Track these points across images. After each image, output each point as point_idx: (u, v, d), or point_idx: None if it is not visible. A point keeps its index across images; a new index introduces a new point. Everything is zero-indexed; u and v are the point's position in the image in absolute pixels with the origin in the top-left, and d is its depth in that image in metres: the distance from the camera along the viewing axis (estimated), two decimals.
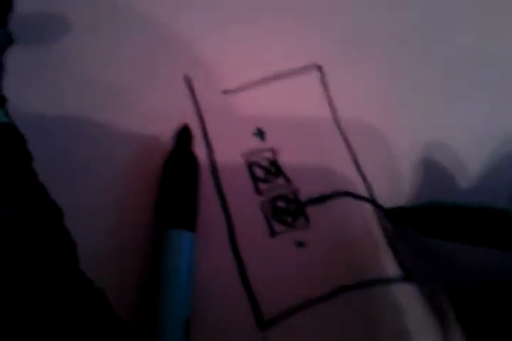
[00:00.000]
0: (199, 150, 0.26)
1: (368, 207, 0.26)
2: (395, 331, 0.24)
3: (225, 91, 0.28)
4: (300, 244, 0.25)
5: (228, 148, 0.27)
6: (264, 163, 0.26)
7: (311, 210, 0.26)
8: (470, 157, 0.28)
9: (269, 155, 0.27)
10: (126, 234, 0.24)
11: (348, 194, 0.26)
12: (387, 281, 0.25)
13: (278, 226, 0.25)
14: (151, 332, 0.20)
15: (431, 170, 0.27)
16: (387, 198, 0.26)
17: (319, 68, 0.29)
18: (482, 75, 0.30)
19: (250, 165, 0.26)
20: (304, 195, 0.26)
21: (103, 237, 0.24)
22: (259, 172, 0.26)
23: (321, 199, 0.26)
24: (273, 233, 0.25)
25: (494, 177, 0.27)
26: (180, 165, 0.24)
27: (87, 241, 0.24)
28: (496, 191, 0.27)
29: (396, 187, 0.27)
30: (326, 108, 0.29)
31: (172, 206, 0.23)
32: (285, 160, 0.27)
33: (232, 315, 0.23)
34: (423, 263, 0.25)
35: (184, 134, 0.26)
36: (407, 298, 0.24)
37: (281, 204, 0.26)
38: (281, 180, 0.26)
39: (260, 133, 0.27)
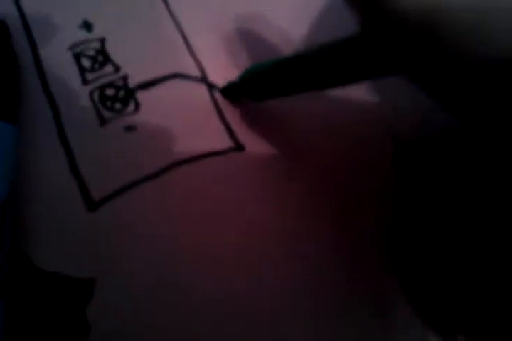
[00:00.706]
0: (22, 46, 0.25)
1: (201, 86, 0.26)
2: (230, 197, 0.24)
3: None
4: (129, 128, 0.24)
5: (53, 43, 0.26)
6: (91, 53, 0.26)
7: (142, 95, 0.25)
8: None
9: (96, 45, 0.26)
10: None
11: (179, 76, 0.26)
12: (219, 153, 0.24)
13: (107, 114, 0.25)
14: None
15: (253, 40, 0.26)
16: (222, 76, 0.26)
17: None
18: None
19: (77, 57, 0.26)
20: (134, 80, 0.25)
21: None
22: (86, 63, 0.25)
23: (151, 83, 0.25)
24: (102, 121, 0.24)
25: None
26: None
27: None
28: None
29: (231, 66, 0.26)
30: None
31: None
32: (113, 48, 0.26)
33: (61, 200, 0.23)
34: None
35: (0, 29, 0.25)
36: (239, 166, 0.24)
37: (110, 91, 0.25)
38: (109, 68, 0.26)
39: (87, 26, 0.26)
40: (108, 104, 0.25)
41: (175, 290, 0.22)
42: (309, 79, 0.20)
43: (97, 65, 0.26)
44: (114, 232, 0.23)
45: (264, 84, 0.22)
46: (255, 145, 0.25)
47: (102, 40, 0.26)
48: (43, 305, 0.21)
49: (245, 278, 0.23)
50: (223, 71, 0.26)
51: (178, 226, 0.23)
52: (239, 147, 0.24)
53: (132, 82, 0.25)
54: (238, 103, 0.25)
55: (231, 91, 0.25)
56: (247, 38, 0.27)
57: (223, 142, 0.25)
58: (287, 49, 0.27)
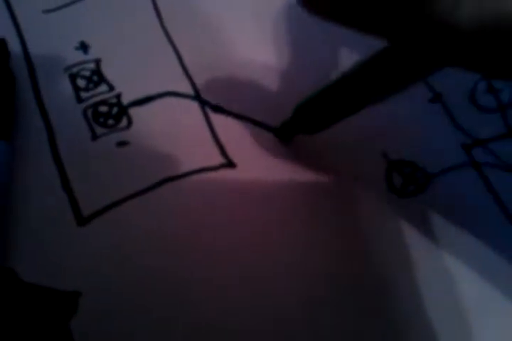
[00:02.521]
0: (19, 66, 0.26)
1: (193, 104, 0.26)
2: (222, 214, 0.24)
3: (45, 11, 0.28)
4: (121, 143, 0.25)
5: (50, 63, 0.27)
6: (87, 74, 0.26)
7: (135, 111, 0.26)
8: None
9: (92, 66, 0.27)
10: None
11: (172, 93, 0.26)
12: (210, 169, 0.24)
13: (100, 129, 0.25)
14: None
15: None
16: (215, 94, 0.26)
17: None
18: None
19: (73, 77, 0.26)
20: (128, 98, 0.26)
21: None
22: (81, 83, 0.26)
23: (144, 101, 0.26)
24: (94, 136, 0.25)
25: None
26: None
27: None
28: None
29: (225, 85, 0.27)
30: (152, 14, 0.28)
31: None
32: (108, 68, 0.27)
33: (51, 214, 0.23)
34: None
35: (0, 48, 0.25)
36: (230, 183, 0.24)
37: (103, 108, 0.26)
38: (103, 87, 0.26)
39: (84, 47, 0.27)
40: (101, 120, 0.25)
41: (165, 308, 0.21)
42: (359, 98, 0.20)
43: (91, 85, 0.26)
44: (104, 247, 0.23)
45: (319, 114, 0.22)
46: (247, 162, 0.25)
47: (98, 61, 0.27)
48: (27, 318, 0.21)
49: (244, 296, 0.22)
50: (216, 89, 0.26)
51: (168, 243, 0.23)
52: (230, 164, 0.24)
53: (126, 100, 0.26)
54: (291, 142, 0.25)
55: (285, 131, 0.25)
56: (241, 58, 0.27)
57: (215, 159, 0.25)
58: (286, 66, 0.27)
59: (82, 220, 0.23)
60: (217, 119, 0.26)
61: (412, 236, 0.23)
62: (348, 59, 0.28)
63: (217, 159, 0.25)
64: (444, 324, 0.22)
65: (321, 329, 0.22)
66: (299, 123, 0.24)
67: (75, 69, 0.27)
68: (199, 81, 0.27)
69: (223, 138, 0.25)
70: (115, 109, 0.26)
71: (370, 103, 0.20)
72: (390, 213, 0.24)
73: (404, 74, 0.18)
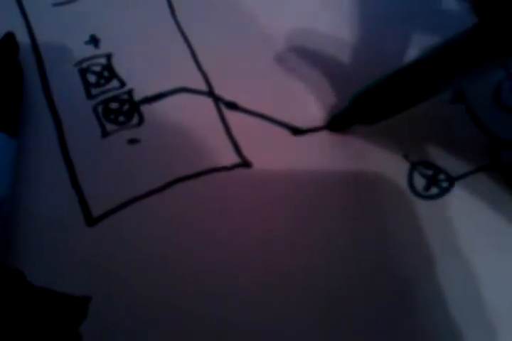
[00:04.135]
0: (29, 59, 0.25)
1: (207, 100, 0.25)
2: (235, 215, 0.23)
3: (56, 4, 0.27)
4: (132, 141, 0.24)
5: (59, 57, 0.26)
6: (97, 69, 0.25)
7: (146, 108, 0.25)
8: None
9: (103, 61, 0.26)
10: None
11: (185, 89, 0.25)
12: (224, 169, 0.23)
13: (110, 126, 0.24)
14: None
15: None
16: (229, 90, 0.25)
17: None
18: None
19: (83, 72, 0.25)
20: (140, 94, 0.25)
21: None
22: (91, 79, 0.25)
23: (156, 97, 0.25)
24: (105, 133, 0.24)
25: None
26: (2, 72, 0.23)
27: None
28: None
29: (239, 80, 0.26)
30: (165, 7, 0.27)
31: None
32: (120, 63, 0.26)
33: (60, 214, 0.22)
34: None
35: (8, 42, 0.25)
36: (245, 184, 0.23)
37: (114, 105, 0.25)
38: (114, 83, 0.25)
39: (95, 41, 0.26)
40: (111, 117, 0.24)
41: (177, 311, 0.21)
42: (434, 84, 0.19)
43: (102, 81, 0.25)
44: (114, 249, 0.22)
45: (382, 104, 0.21)
46: (262, 161, 0.24)
47: (109, 56, 0.26)
48: (35, 322, 0.20)
49: (257, 296, 0.21)
50: (231, 85, 0.26)
51: (180, 244, 0.22)
52: (246, 163, 0.23)
53: (137, 96, 0.25)
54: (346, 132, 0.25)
55: (339, 122, 0.24)
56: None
57: (229, 158, 0.24)
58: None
59: (91, 220, 0.22)
60: (232, 116, 0.25)
61: (434, 238, 0.22)
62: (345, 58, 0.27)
63: (232, 158, 0.24)
64: (467, 324, 0.21)
65: (333, 329, 0.21)
66: (357, 114, 0.23)
67: (85, 64, 0.26)
68: (213, 76, 0.26)
69: (238, 136, 0.24)
70: (126, 106, 0.25)
71: (439, 90, 0.19)
72: (411, 215, 0.23)
73: (489, 56, 0.17)
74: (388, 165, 0.24)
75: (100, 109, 0.25)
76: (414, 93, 0.20)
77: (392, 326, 0.21)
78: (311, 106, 0.25)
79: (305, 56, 0.27)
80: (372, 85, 0.21)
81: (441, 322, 0.21)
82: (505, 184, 0.24)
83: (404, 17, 0.28)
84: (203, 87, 0.25)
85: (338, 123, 0.24)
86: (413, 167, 0.24)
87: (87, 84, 0.25)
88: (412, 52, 0.26)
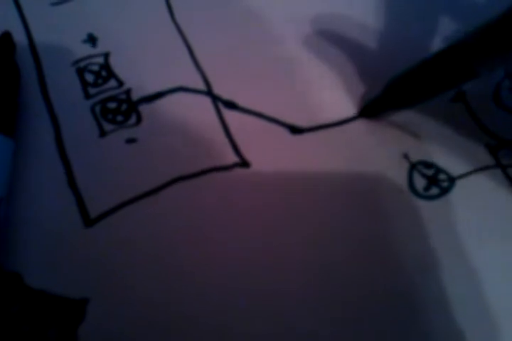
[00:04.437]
0: (26, 59, 0.25)
1: (206, 100, 0.25)
2: (233, 215, 0.22)
3: (53, 4, 0.27)
4: (130, 141, 0.24)
5: (56, 57, 0.26)
6: (95, 68, 0.25)
7: (145, 108, 0.25)
8: None
9: (100, 60, 0.26)
10: None
11: (184, 89, 0.25)
12: (223, 168, 0.23)
13: (108, 126, 0.24)
14: None
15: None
16: (228, 89, 0.25)
17: None
18: None
19: (80, 72, 0.25)
20: (138, 94, 0.25)
21: None
22: (89, 78, 0.25)
23: (154, 97, 0.25)
24: (102, 133, 0.24)
25: None
26: None
27: None
28: None
29: (238, 79, 0.26)
30: (163, 6, 0.27)
31: None
32: (118, 62, 0.26)
33: (57, 215, 0.22)
34: None
35: (5, 41, 0.24)
36: (244, 183, 0.23)
37: (112, 105, 0.24)
38: (112, 83, 0.25)
39: (92, 40, 0.26)
40: (109, 116, 0.24)
41: (176, 312, 0.20)
42: (474, 67, 0.19)
43: (100, 80, 0.25)
44: (112, 250, 0.21)
45: (419, 88, 0.21)
46: (262, 161, 0.24)
47: (106, 55, 0.26)
48: (33, 325, 0.19)
49: (257, 295, 0.21)
50: (229, 84, 0.25)
51: (179, 245, 0.22)
52: (244, 163, 0.23)
53: (135, 96, 0.25)
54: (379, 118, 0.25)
55: (373, 108, 0.24)
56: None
57: (228, 158, 0.24)
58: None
59: (89, 221, 0.22)
60: (231, 116, 0.25)
61: (435, 238, 0.22)
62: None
63: (231, 158, 0.24)
64: (470, 324, 0.21)
65: (334, 329, 0.21)
66: (392, 99, 0.23)
67: (82, 64, 0.26)
68: (211, 76, 0.26)
69: (237, 136, 0.24)
70: (124, 106, 0.25)
71: (479, 74, 0.19)
72: (412, 215, 0.23)
73: None
74: (388, 164, 0.24)
75: (98, 108, 0.24)
76: (454, 77, 0.20)
77: (394, 327, 0.20)
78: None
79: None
80: (409, 70, 0.21)
81: (444, 321, 0.21)
82: (506, 183, 0.24)
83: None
84: (202, 86, 0.25)
85: (371, 109, 0.24)
86: (413, 167, 0.24)
87: (84, 84, 0.25)
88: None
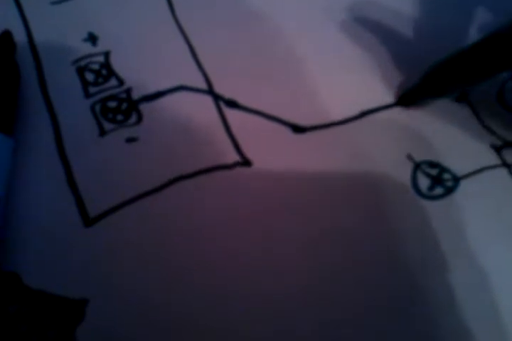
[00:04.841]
0: (26, 58, 0.25)
1: (207, 98, 0.25)
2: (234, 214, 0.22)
3: (53, 2, 0.27)
4: (131, 140, 0.23)
5: (57, 56, 0.25)
6: (95, 67, 0.25)
7: (145, 107, 0.24)
8: None
9: (101, 59, 0.25)
10: None
11: (185, 88, 0.25)
12: (224, 167, 0.23)
13: (108, 125, 0.24)
14: None
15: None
16: (229, 88, 0.25)
17: None
18: None
19: (80, 71, 0.25)
20: (138, 93, 0.25)
21: None
22: (89, 77, 0.25)
23: (155, 96, 0.24)
24: (102, 132, 0.23)
25: None
26: None
27: None
28: None
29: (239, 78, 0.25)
30: (164, 4, 0.27)
31: None
32: (118, 61, 0.25)
33: (57, 214, 0.22)
34: None
35: (5, 40, 0.24)
36: (245, 182, 0.23)
37: (112, 104, 0.24)
38: (112, 82, 0.25)
39: (92, 38, 0.26)
40: (109, 115, 0.24)
41: (176, 313, 0.20)
42: None
43: (100, 79, 0.25)
44: (111, 250, 0.21)
45: (457, 76, 0.21)
46: (263, 160, 0.23)
47: (107, 54, 0.26)
48: (31, 326, 0.19)
49: (257, 295, 0.20)
50: (231, 83, 0.25)
51: (179, 245, 0.21)
52: (246, 162, 0.23)
53: (136, 95, 0.25)
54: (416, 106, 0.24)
55: (411, 97, 0.24)
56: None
57: (229, 157, 0.23)
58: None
59: (89, 221, 0.22)
60: (232, 114, 0.24)
61: (440, 239, 0.22)
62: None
63: (232, 157, 0.23)
64: (479, 327, 0.20)
65: (335, 330, 0.20)
66: (431, 87, 0.23)
67: (83, 62, 0.25)
68: (213, 74, 0.25)
69: (238, 135, 0.24)
70: (125, 105, 0.24)
71: None
72: (416, 215, 0.22)
73: None
74: (391, 164, 0.23)
75: (98, 107, 0.24)
76: (494, 66, 0.20)
77: (400, 327, 0.20)
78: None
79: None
80: (449, 58, 0.21)
81: (450, 323, 0.20)
82: (511, 182, 0.23)
83: None
84: (203, 85, 0.25)
85: (409, 97, 0.24)
86: (417, 166, 0.23)
87: (84, 83, 0.25)
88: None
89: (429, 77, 0.22)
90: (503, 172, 0.23)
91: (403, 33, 0.26)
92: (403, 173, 0.23)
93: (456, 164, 0.23)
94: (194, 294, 0.20)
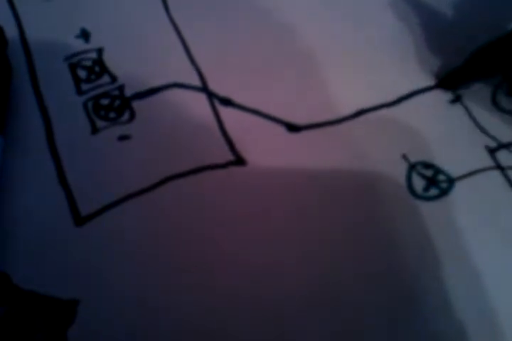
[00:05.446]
0: (18, 55, 0.24)
1: (201, 96, 0.24)
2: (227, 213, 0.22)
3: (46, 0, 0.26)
4: (123, 138, 0.23)
5: (49, 52, 0.25)
6: (88, 64, 0.25)
7: (138, 104, 0.24)
8: None
9: (93, 55, 0.25)
10: None
11: (178, 85, 0.24)
12: (218, 166, 0.23)
13: (100, 123, 0.23)
14: None
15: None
16: (223, 85, 0.24)
17: None
18: None
19: (73, 67, 0.25)
20: (131, 90, 0.24)
21: None
22: (82, 74, 0.24)
23: (148, 93, 0.24)
24: (95, 130, 0.23)
25: None
26: None
27: None
28: None
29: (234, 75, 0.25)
30: (158, 1, 0.27)
31: None
32: (111, 58, 0.25)
33: (48, 213, 0.21)
34: None
35: None
36: (239, 181, 0.22)
37: (104, 101, 0.24)
38: (105, 79, 0.24)
39: (85, 35, 0.25)
40: (102, 113, 0.24)
41: (170, 313, 0.20)
42: None
43: (93, 76, 0.25)
44: (103, 249, 0.21)
45: (502, 59, 0.22)
46: (258, 159, 0.23)
47: (100, 50, 0.25)
48: (22, 326, 0.19)
49: (257, 295, 0.20)
50: (225, 80, 0.25)
51: (173, 243, 0.21)
52: (240, 161, 0.23)
53: (129, 92, 0.24)
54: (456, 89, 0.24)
55: (454, 78, 0.24)
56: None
57: (223, 155, 0.23)
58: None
59: (80, 220, 0.21)
60: (226, 113, 0.24)
61: (434, 239, 0.22)
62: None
63: (226, 156, 0.23)
64: (473, 325, 0.20)
65: (334, 328, 0.20)
66: (475, 69, 0.23)
67: (75, 59, 0.25)
68: (207, 71, 0.25)
69: (232, 133, 0.24)
70: (117, 102, 0.24)
71: None
72: (411, 216, 0.22)
73: None
74: (386, 165, 0.23)
75: (90, 105, 0.24)
76: None
77: (395, 326, 0.20)
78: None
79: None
80: (493, 41, 0.22)
81: (445, 321, 0.20)
82: (505, 185, 0.23)
83: None
84: (197, 82, 0.25)
85: (451, 80, 0.24)
86: (412, 167, 0.23)
87: (77, 80, 0.24)
88: None
89: (474, 60, 0.22)
90: (497, 174, 0.23)
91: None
92: (398, 173, 0.23)
93: (451, 165, 0.23)
94: (190, 292, 0.20)
